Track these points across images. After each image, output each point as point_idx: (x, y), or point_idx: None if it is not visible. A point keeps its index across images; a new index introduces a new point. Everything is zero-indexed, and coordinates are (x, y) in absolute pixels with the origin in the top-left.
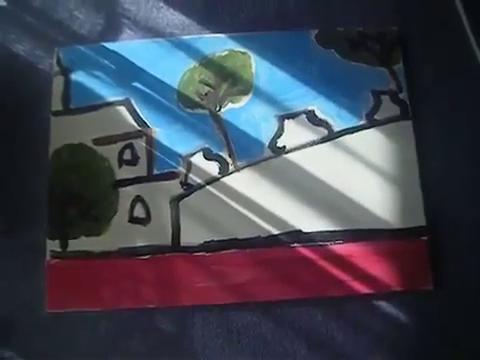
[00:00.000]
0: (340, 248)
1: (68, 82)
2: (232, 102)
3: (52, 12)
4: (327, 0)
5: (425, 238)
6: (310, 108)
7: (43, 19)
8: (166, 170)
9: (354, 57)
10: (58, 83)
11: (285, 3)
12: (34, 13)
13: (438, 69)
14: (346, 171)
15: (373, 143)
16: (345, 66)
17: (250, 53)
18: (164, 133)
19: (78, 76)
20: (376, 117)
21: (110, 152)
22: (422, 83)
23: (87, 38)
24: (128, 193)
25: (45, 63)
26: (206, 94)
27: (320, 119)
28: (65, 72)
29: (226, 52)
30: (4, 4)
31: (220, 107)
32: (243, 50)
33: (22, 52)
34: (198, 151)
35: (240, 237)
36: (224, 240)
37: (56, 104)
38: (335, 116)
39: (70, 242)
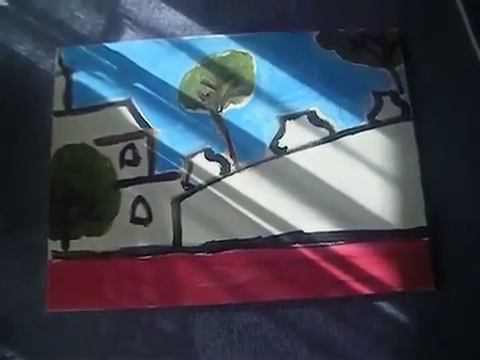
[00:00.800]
0: (341, 249)
1: (70, 82)
2: (233, 103)
3: (53, 12)
4: (328, 1)
5: (426, 239)
6: (311, 109)
7: (44, 19)
8: (167, 170)
9: (355, 58)
10: (60, 83)
11: (286, 4)
12: (35, 13)
13: (439, 70)
14: (347, 172)
15: (374, 144)
16: (346, 67)
17: (251, 54)
18: (165, 133)
19: (80, 76)
20: (377, 118)
21: (112, 152)
22: (423, 84)
23: (89, 38)
24: (129, 193)
25: (47, 63)
26: (207, 95)
27: (321, 120)
28: (67, 72)
29: (227, 53)
30: (5, 4)
31: (221, 108)
32: (244, 51)
33: (24, 52)
34: (199, 151)
35: (241, 237)
36: (225, 240)
37: (58, 104)
38: (336, 117)
39: (71, 242)
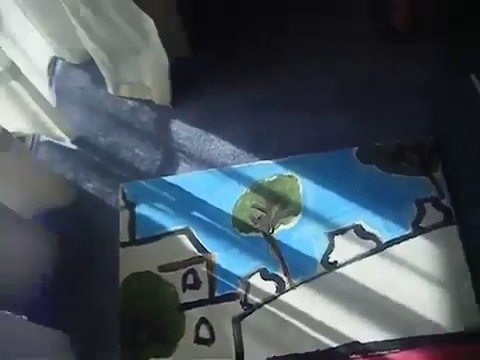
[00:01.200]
0: (398, 357)
1: (133, 215)
2: (283, 223)
3: (116, 151)
4: (364, 117)
5: None
6: (357, 223)
7: (108, 158)
8: (227, 292)
9: (394, 169)
10: (124, 216)
11: (324, 125)
12: (100, 153)
13: (478, 171)
14: (397, 280)
15: (421, 250)
16: (387, 179)
17: (297, 176)
18: (222, 257)
19: (142, 209)
20: (421, 225)
21: (174, 278)
22: (463, 187)
23: (148, 173)
24: (193, 315)
25: (112, 199)
26: (259, 218)
27: (368, 232)
28: (130, 206)
29: (274, 177)
30: (75, 147)
31: (273, 229)
32: (290, 173)
33: (91, 190)
34: (255, 272)
35: (300, 352)
36: (285, 356)
37: (123, 236)
38: (382, 228)
39: None
